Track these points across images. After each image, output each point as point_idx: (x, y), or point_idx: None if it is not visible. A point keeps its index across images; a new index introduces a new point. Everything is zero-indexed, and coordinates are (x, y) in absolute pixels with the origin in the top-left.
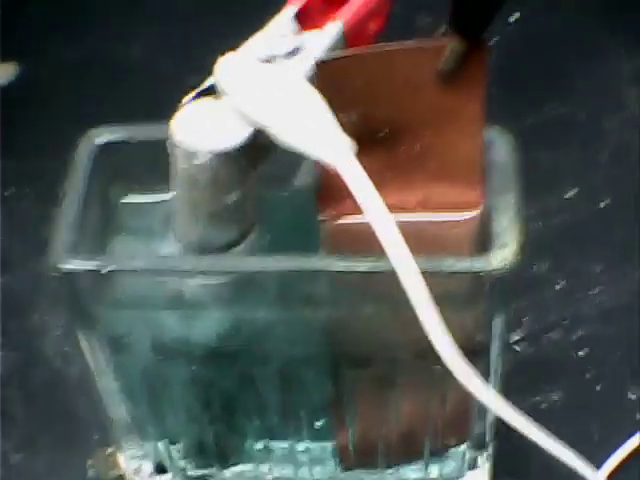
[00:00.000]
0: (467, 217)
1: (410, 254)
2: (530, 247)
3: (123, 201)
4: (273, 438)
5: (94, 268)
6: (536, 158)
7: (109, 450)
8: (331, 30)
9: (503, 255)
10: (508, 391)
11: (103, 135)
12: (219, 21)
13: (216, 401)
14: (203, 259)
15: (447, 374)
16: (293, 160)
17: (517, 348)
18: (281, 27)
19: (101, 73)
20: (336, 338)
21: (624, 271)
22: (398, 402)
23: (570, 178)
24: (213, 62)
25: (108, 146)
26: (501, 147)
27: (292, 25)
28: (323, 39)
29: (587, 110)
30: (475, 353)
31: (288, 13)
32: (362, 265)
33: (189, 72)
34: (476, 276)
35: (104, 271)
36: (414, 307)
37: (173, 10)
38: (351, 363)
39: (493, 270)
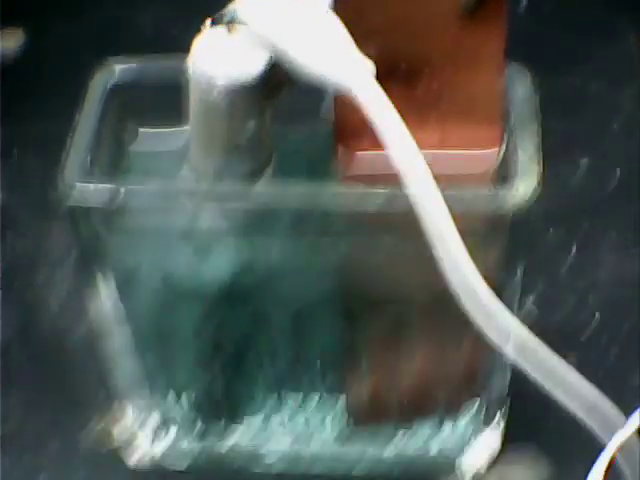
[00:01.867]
0: (485, 154)
1: (433, 180)
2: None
3: (137, 142)
4: (284, 390)
5: (109, 191)
6: (550, 127)
7: (111, 413)
8: None
9: (526, 185)
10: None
11: (119, 65)
12: None
13: (227, 346)
14: (217, 185)
15: (464, 318)
16: (312, 99)
17: (531, 310)
18: None
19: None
20: (351, 276)
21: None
22: (412, 348)
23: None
24: None
25: (124, 77)
26: (520, 85)
27: None
28: None
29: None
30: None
31: None
32: (381, 193)
33: None
34: (499, 206)
35: (120, 192)
36: (435, 236)
37: None
38: (363, 305)
39: (516, 199)
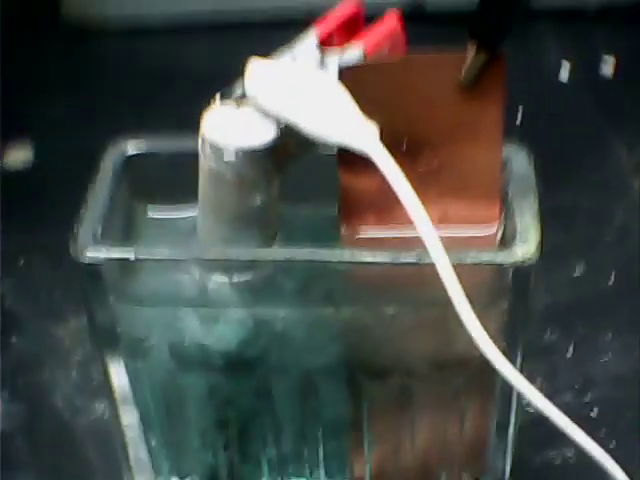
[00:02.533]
0: (485, 233)
1: (440, 242)
2: (541, 316)
3: (147, 216)
4: (287, 474)
5: (120, 256)
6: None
7: None
8: (352, 52)
9: (526, 249)
10: (523, 446)
11: (129, 146)
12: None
13: (232, 422)
14: (228, 250)
15: (465, 391)
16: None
17: (530, 410)
18: (305, 49)
19: None
20: (355, 345)
21: (631, 341)
22: (415, 424)
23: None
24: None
25: (134, 157)
26: (519, 161)
27: (315, 52)
28: (346, 55)
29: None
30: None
31: (311, 41)
32: (385, 256)
33: None
34: (500, 269)
35: (131, 258)
36: (447, 294)
37: None
38: (369, 374)
39: (517, 262)
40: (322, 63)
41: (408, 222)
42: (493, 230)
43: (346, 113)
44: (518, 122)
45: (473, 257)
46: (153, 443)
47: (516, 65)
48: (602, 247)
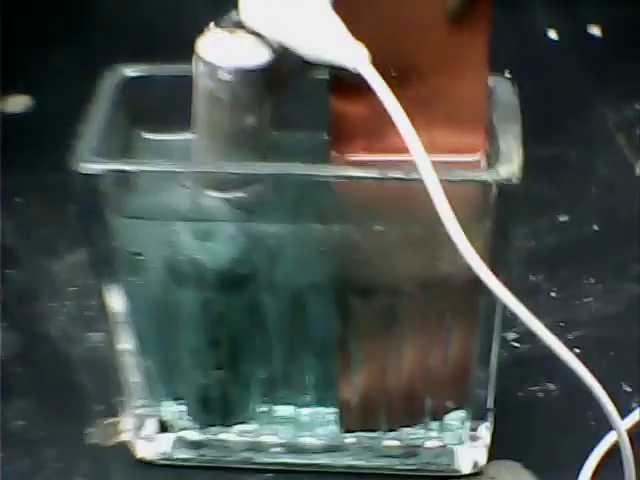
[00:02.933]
0: (471, 159)
1: (428, 159)
2: (525, 261)
3: (143, 138)
4: (276, 399)
5: (117, 168)
6: (530, 188)
7: (111, 420)
8: None
9: (509, 168)
10: (505, 380)
11: (127, 70)
12: None
13: (224, 342)
14: (222, 164)
15: (449, 312)
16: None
17: (516, 345)
18: None
19: None
20: (343, 263)
21: (613, 284)
22: (401, 346)
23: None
24: None
25: (131, 81)
26: (504, 90)
27: None
28: None
29: (579, 151)
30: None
31: None
32: (375, 172)
33: None
34: (485, 187)
35: (128, 169)
36: (435, 210)
37: None
38: (356, 293)
39: (500, 180)
40: None
41: (396, 149)
42: (478, 157)
43: (338, 34)
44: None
45: (459, 175)
46: (147, 366)
47: (504, 26)
48: (587, 197)
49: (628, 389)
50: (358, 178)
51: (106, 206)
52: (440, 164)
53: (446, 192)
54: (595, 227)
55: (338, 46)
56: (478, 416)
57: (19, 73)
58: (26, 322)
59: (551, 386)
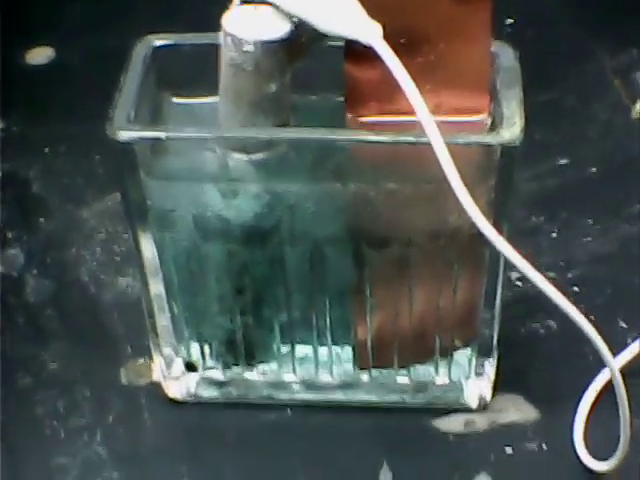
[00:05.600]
0: (475, 121)
1: (435, 124)
2: (527, 203)
3: (173, 103)
4: (297, 340)
5: (152, 136)
6: (530, 133)
7: (141, 360)
8: None
9: (513, 131)
10: (508, 317)
11: (157, 40)
12: None
13: (247, 288)
14: (246, 129)
15: (457, 261)
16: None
17: (517, 284)
18: None
19: None
20: (359, 217)
21: (611, 224)
22: (412, 292)
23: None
24: None
25: (162, 48)
26: (506, 56)
27: None
28: None
29: (577, 96)
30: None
31: None
32: (387, 136)
33: None
34: (489, 149)
35: (162, 137)
36: (442, 171)
37: None
38: (371, 244)
39: (504, 142)
40: None
41: (407, 111)
42: (482, 118)
43: (353, 11)
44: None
45: (465, 137)
46: (176, 311)
47: None
48: (585, 141)
49: (624, 325)
50: (371, 142)
51: (140, 168)
52: (447, 127)
53: (453, 153)
54: (593, 169)
55: (353, 22)
56: (484, 353)
57: (40, 25)
58: (57, 268)
59: (551, 322)
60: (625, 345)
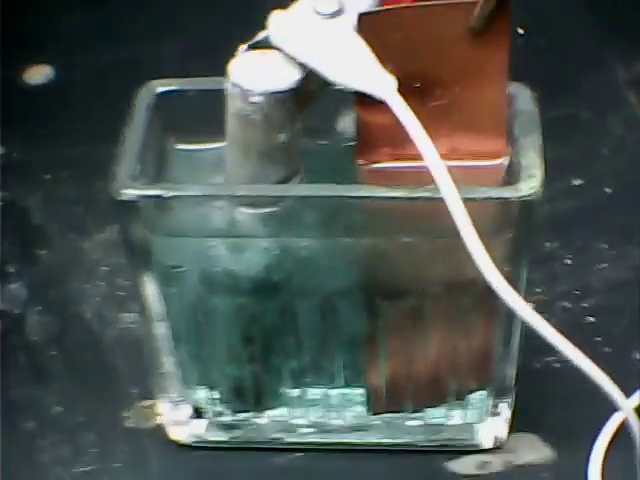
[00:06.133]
0: (492, 165)
1: (451, 180)
2: (540, 227)
3: (177, 150)
4: (307, 384)
5: (156, 194)
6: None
7: (147, 402)
8: None
9: (531, 184)
10: (524, 351)
11: (160, 85)
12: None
13: (257, 338)
14: (255, 187)
15: (472, 309)
16: (332, 112)
17: None
18: None
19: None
20: (372, 271)
21: (627, 249)
22: (427, 340)
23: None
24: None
25: (166, 95)
26: (524, 99)
27: None
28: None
29: (591, 110)
30: None
31: None
32: (402, 192)
33: None
34: (507, 203)
35: (166, 196)
36: (457, 228)
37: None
38: (384, 296)
39: (523, 197)
40: (342, 10)
41: (421, 158)
42: (500, 162)
43: (365, 62)
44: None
45: (481, 193)
46: (182, 357)
47: None
48: (599, 158)
49: (638, 356)
50: (384, 198)
51: (145, 225)
52: (463, 173)
53: (468, 207)
54: (606, 190)
55: (365, 74)
56: (500, 395)
57: (37, 42)
58: (60, 304)
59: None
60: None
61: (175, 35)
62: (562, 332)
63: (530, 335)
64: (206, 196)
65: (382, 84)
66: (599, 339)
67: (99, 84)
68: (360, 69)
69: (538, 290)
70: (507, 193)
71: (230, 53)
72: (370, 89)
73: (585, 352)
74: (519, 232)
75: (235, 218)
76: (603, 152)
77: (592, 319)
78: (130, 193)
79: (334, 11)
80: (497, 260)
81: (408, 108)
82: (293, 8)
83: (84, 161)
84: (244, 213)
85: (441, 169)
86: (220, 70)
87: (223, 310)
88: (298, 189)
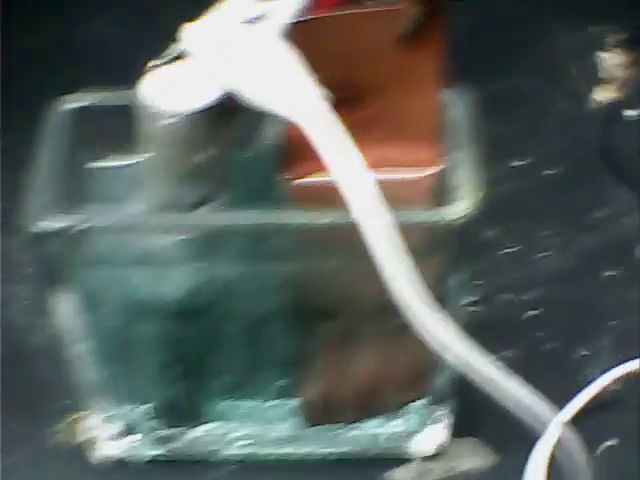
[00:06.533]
0: (423, 174)
1: (377, 203)
2: (480, 214)
3: (93, 165)
4: (240, 397)
5: (67, 225)
6: (482, 129)
7: (76, 416)
8: None
9: (462, 206)
10: None
11: (72, 101)
12: None
13: (184, 359)
14: (170, 216)
15: (408, 327)
16: (255, 121)
17: (470, 309)
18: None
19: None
20: (299, 293)
21: (571, 235)
22: (361, 356)
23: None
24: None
25: (77, 111)
26: (458, 107)
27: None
28: (289, 5)
29: (531, 83)
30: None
31: None
32: (325, 217)
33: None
34: (437, 226)
35: (77, 228)
36: (379, 257)
37: None
38: (314, 318)
39: (453, 220)
40: (265, 15)
41: None
42: (431, 172)
43: (280, 80)
44: None
45: (405, 216)
46: (107, 374)
47: None
48: (541, 136)
49: (585, 352)
50: (307, 225)
51: (58, 254)
52: (393, 186)
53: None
54: (549, 171)
55: (279, 96)
56: (438, 401)
57: None
58: None
59: (508, 354)
60: (585, 376)
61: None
62: (502, 327)
63: (467, 329)
64: (121, 227)
65: (294, 105)
66: (541, 334)
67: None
68: (274, 89)
69: (477, 283)
70: (434, 216)
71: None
72: (282, 112)
73: (527, 349)
74: (450, 254)
75: (153, 245)
76: (545, 129)
77: (534, 312)
78: (42, 225)
79: (256, 17)
80: (425, 281)
81: (324, 132)
82: (210, 16)
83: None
84: (162, 240)
85: (360, 195)
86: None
87: (147, 333)
88: (217, 217)
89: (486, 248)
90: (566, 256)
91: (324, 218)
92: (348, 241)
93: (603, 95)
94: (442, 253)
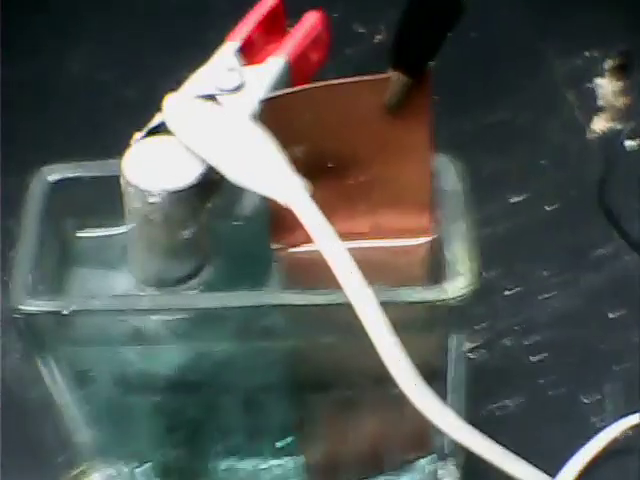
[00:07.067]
0: (417, 243)
1: (365, 286)
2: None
3: (78, 235)
4: (238, 459)
5: (54, 309)
6: (479, 164)
7: (76, 471)
8: (275, 65)
9: (457, 284)
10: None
11: (54, 172)
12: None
13: (180, 427)
14: (160, 297)
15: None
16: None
17: (471, 356)
18: (224, 62)
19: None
20: (296, 367)
21: (573, 275)
22: (362, 419)
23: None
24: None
25: (60, 183)
26: (450, 175)
27: (235, 59)
28: (267, 74)
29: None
30: (433, 376)
31: (230, 48)
32: (319, 298)
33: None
34: (432, 305)
35: (64, 312)
36: (371, 337)
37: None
38: (313, 389)
39: (448, 300)
40: (243, 84)
41: (340, 234)
42: (425, 240)
43: (269, 163)
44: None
45: (399, 296)
46: (102, 438)
47: None
48: (538, 171)
49: (586, 401)
50: (298, 305)
51: (47, 337)
52: (385, 254)
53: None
54: (547, 207)
55: (270, 180)
56: (441, 458)
57: None
58: None
59: (509, 402)
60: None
61: None
62: (503, 374)
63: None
64: (108, 310)
65: (287, 190)
66: (542, 381)
67: None
68: (262, 171)
69: (475, 328)
70: (431, 295)
71: None
72: (274, 194)
73: (529, 396)
74: (447, 331)
75: (142, 326)
76: (542, 164)
77: (536, 358)
78: (27, 309)
79: (234, 87)
80: (422, 356)
81: (314, 213)
82: (189, 86)
83: None
84: (152, 320)
85: (350, 277)
86: None
87: (140, 406)
88: (210, 298)
89: (484, 290)
90: (568, 296)
91: (318, 298)
92: (342, 318)
93: (602, 125)
94: (440, 327)
